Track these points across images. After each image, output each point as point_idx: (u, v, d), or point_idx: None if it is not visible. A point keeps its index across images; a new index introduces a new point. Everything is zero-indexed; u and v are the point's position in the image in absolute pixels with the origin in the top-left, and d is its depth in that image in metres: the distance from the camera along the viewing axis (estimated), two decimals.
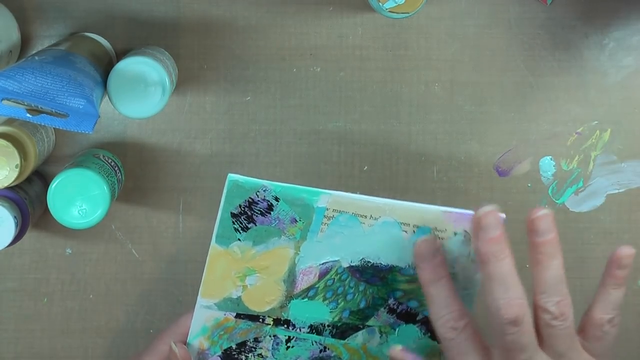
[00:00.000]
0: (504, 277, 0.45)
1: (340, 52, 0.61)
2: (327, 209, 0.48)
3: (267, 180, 0.48)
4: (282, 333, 0.50)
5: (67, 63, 0.50)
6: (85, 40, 0.57)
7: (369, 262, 0.49)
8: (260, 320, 0.50)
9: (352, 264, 0.49)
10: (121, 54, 0.59)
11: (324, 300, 0.50)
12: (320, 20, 0.61)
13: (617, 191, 0.64)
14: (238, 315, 0.50)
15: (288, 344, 0.50)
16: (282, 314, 0.50)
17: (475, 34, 0.62)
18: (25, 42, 0.60)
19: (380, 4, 0.53)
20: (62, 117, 0.47)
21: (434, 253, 0.47)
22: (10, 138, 0.53)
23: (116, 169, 0.58)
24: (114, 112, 0.61)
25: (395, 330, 0.50)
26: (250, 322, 0.50)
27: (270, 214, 0.48)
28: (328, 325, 0.50)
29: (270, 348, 0.51)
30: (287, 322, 0.50)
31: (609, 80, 0.63)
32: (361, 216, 0.48)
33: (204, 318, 0.50)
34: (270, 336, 0.50)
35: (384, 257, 0.49)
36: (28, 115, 0.46)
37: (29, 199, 0.58)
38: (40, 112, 0.47)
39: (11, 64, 0.57)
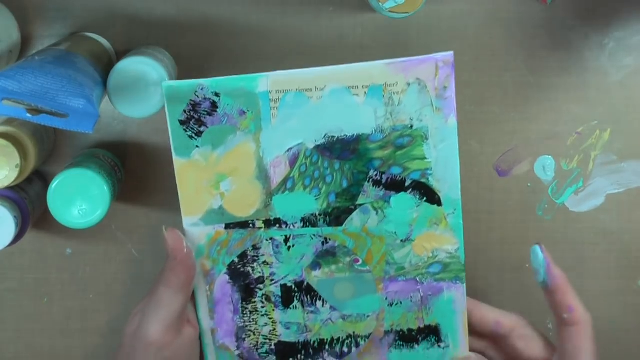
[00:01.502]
0: None
1: (340, 52, 0.61)
2: (270, 92, 0.47)
3: (199, 79, 0.47)
4: (277, 234, 0.49)
5: (67, 63, 0.50)
6: (85, 40, 0.57)
7: (333, 136, 0.48)
8: (251, 225, 0.49)
9: (317, 143, 0.48)
10: (121, 54, 0.59)
11: (305, 189, 0.49)
12: (320, 20, 0.61)
13: (617, 191, 0.64)
14: (227, 226, 0.49)
15: (288, 244, 0.50)
16: (269, 213, 0.49)
17: (475, 34, 0.62)
18: (25, 42, 0.60)
19: (380, 4, 0.53)
20: (62, 117, 0.47)
21: None
22: (10, 138, 0.53)
23: (116, 169, 0.58)
24: (114, 112, 0.61)
25: (389, 202, 0.49)
26: (241, 230, 0.49)
27: (216, 111, 0.47)
28: (320, 215, 0.49)
29: (272, 253, 0.50)
30: (278, 221, 0.49)
31: (609, 80, 0.63)
32: (306, 90, 0.47)
33: (196, 237, 0.50)
34: (267, 240, 0.50)
35: (345, 127, 0.48)
36: (28, 115, 0.46)
37: (29, 199, 0.58)
38: (40, 112, 0.47)
39: (11, 64, 0.57)
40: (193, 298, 0.51)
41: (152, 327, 0.46)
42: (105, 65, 0.56)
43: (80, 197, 0.54)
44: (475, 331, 0.51)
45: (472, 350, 0.52)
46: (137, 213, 0.62)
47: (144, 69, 0.53)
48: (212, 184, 0.48)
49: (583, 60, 0.62)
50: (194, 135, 0.48)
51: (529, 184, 0.63)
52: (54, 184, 0.53)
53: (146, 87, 0.53)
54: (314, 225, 0.49)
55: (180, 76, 0.61)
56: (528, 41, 0.62)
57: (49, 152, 0.60)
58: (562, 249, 0.64)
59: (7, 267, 0.63)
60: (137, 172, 0.62)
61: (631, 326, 0.65)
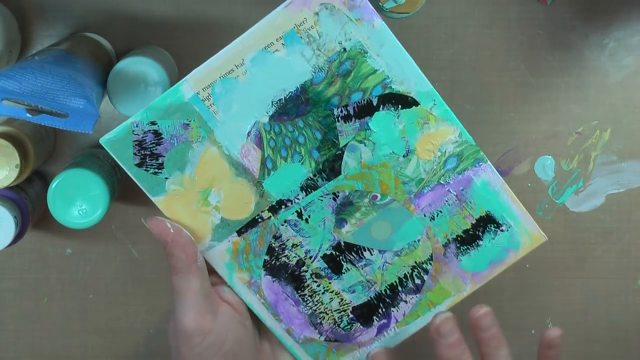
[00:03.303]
0: None
1: None
2: (197, 93, 0.45)
3: (130, 118, 0.46)
4: (287, 214, 0.48)
5: (67, 63, 0.50)
6: (85, 40, 0.57)
7: (279, 100, 0.46)
8: (260, 219, 0.48)
9: (270, 114, 0.46)
10: (121, 54, 0.59)
11: (286, 161, 0.47)
12: None
13: (617, 191, 0.64)
14: (239, 233, 0.48)
15: (303, 217, 0.48)
16: (269, 200, 0.48)
17: (475, 34, 0.62)
18: (25, 42, 0.60)
19: (380, 4, 0.53)
20: (62, 117, 0.47)
21: (451, 331, 0.46)
22: (10, 138, 0.53)
23: (116, 169, 0.58)
24: (114, 112, 0.61)
25: (369, 129, 0.47)
26: (254, 229, 0.48)
27: (162, 138, 0.46)
28: (314, 175, 0.48)
29: (294, 233, 0.48)
30: (281, 203, 0.48)
31: (609, 80, 0.63)
32: (228, 73, 0.45)
33: (218, 257, 0.48)
34: (282, 225, 0.48)
35: (286, 85, 0.46)
36: (28, 115, 0.46)
37: (29, 199, 0.58)
38: (40, 112, 0.47)
39: (11, 64, 0.57)
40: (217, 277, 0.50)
41: (184, 319, 0.45)
42: (105, 65, 0.56)
43: (80, 197, 0.54)
44: None
45: None
46: (137, 213, 0.62)
47: (144, 69, 0.53)
48: (201, 203, 0.48)
49: (583, 60, 0.62)
50: (156, 170, 0.47)
51: (529, 184, 0.63)
52: (54, 184, 0.53)
53: (146, 87, 0.53)
54: (314, 188, 0.48)
55: (181, 76, 0.61)
56: (528, 41, 0.62)
57: (49, 152, 0.60)
58: (562, 249, 0.64)
59: (7, 267, 0.63)
60: None
61: (631, 326, 0.65)
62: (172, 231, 0.46)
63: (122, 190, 0.61)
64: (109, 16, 0.60)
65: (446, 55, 0.62)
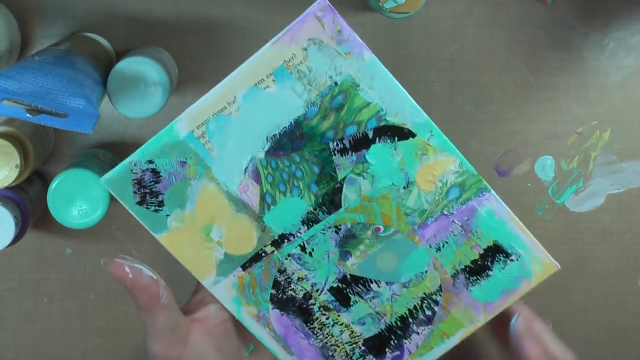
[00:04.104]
0: None
1: None
2: (192, 131, 0.46)
3: (127, 157, 0.46)
4: (291, 248, 0.48)
5: (67, 63, 0.50)
6: (85, 40, 0.57)
7: (274, 135, 0.46)
8: (263, 254, 0.48)
9: (266, 149, 0.46)
10: (121, 54, 0.59)
11: (285, 196, 0.47)
12: None
13: (617, 191, 0.64)
14: (244, 267, 0.48)
15: (307, 250, 0.48)
16: (270, 234, 0.48)
17: (475, 34, 0.62)
18: (25, 42, 0.60)
19: (380, 4, 0.53)
20: (62, 117, 0.47)
21: None
22: (10, 138, 0.53)
23: None
24: (114, 112, 0.61)
25: (367, 162, 0.47)
26: (258, 263, 0.48)
27: (161, 176, 0.46)
28: (314, 210, 0.48)
29: (299, 266, 0.48)
30: (284, 237, 0.48)
31: (609, 80, 0.63)
32: (221, 110, 0.45)
33: (225, 292, 0.48)
34: (286, 258, 0.48)
35: (279, 120, 0.46)
36: (28, 115, 0.46)
37: (29, 199, 0.58)
38: (40, 112, 0.47)
39: (11, 64, 0.57)
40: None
41: (152, 349, 0.46)
42: (105, 65, 0.56)
43: (80, 197, 0.54)
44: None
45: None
46: None
47: (144, 69, 0.53)
48: (204, 239, 0.48)
49: (583, 60, 0.62)
50: (157, 207, 0.47)
51: (529, 184, 0.63)
52: (54, 184, 0.53)
53: (146, 87, 0.53)
54: (316, 221, 0.48)
55: (180, 76, 0.61)
56: (528, 41, 0.62)
57: (49, 152, 0.60)
58: (562, 249, 0.64)
59: (7, 267, 0.63)
60: None
61: (631, 326, 0.65)
62: (130, 275, 0.45)
63: None
64: (109, 16, 0.60)
65: (446, 55, 0.62)
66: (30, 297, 0.63)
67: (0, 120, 0.56)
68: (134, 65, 0.53)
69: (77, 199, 0.54)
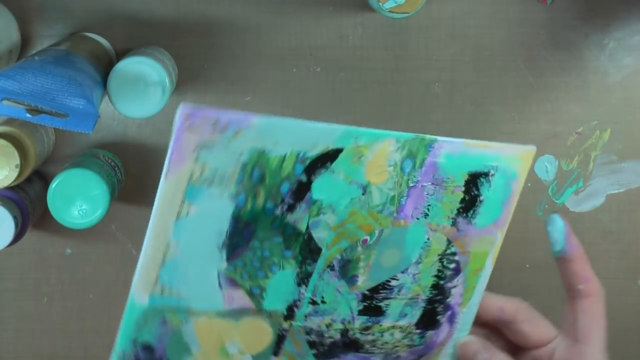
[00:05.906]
0: None
1: (340, 52, 0.61)
2: (152, 294, 0.45)
3: (113, 355, 0.47)
4: (304, 311, 0.48)
5: (67, 63, 0.50)
6: (85, 40, 0.57)
7: (224, 242, 0.46)
8: (284, 332, 0.48)
9: (225, 258, 0.46)
10: (121, 54, 0.59)
11: (268, 278, 0.47)
12: (320, 20, 0.61)
13: (617, 191, 0.64)
14: (276, 354, 0.48)
15: (318, 302, 0.48)
16: (278, 314, 0.48)
17: (475, 34, 0.62)
18: (25, 42, 0.60)
19: (380, 4, 0.53)
20: (62, 117, 0.47)
21: (476, 352, 0.47)
22: (10, 138, 0.53)
23: (116, 169, 0.58)
24: (114, 112, 0.61)
25: (317, 200, 0.46)
26: (285, 342, 0.48)
27: (153, 347, 0.47)
28: (301, 269, 0.48)
29: (321, 317, 0.49)
30: (290, 308, 0.48)
31: (609, 80, 0.63)
32: (164, 257, 0.45)
33: None
34: (305, 320, 0.48)
35: (219, 227, 0.45)
36: (28, 115, 0.46)
37: (29, 199, 0.58)
38: (40, 112, 0.47)
39: (11, 64, 0.57)
40: None
41: None
42: (105, 65, 0.56)
43: (80, 197, 0.54)
44: (478, 320, 0.51)
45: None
46: (137, 213, 0.62)
47: (144, 69, 0.53)
48: (225, 359, 0.48)
49: (583, 60, 0.62)
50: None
51: (529, 184, 0.63)
52: (54, 184, 0.53)
53: (146, 87, 0.53)
54: (309, 275, 0.48)
55: (180, 76, 0.61)
56: (528, 41, 0.62)
57: (49, 152, 0.60)
58: None
59: (7, 267, 0.63)
60: (137, 173, 0.62)
61: (631, 326, 0.65)
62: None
63: (122, 190, 0.61)
64: (109, 16, 0.60)
65: (446, 55, 0.62)
66: (30, 297, 0.63)
67: (0, 120, 0.56)
68: (134, 65, 0.53)
69: (77, 199, 0.54)
